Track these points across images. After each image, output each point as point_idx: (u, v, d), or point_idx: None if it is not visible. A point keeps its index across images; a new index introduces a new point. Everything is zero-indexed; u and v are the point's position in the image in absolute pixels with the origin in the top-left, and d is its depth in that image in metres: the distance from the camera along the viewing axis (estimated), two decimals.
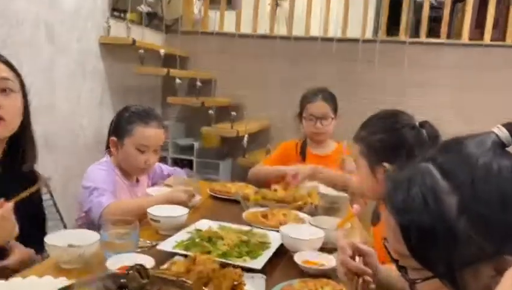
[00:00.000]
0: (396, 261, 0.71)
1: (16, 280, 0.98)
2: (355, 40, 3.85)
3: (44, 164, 3.05)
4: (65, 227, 2.14)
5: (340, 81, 3.94)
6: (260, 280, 1.10)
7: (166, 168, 2.01)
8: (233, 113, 3.44)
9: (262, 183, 2.10)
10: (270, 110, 4.04)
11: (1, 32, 2.56)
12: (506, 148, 0.65)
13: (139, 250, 1.29)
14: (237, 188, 1.95)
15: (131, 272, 0.73)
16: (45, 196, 2.10)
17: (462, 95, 3.75)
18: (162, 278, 0.75)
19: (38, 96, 2.98)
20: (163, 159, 3.92)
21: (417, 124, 1.28)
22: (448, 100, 3.77)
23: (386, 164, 1.30)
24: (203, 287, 0.91)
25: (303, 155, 2.29)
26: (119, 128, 1.76)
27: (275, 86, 4.10)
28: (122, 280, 0.75)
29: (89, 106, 3.48)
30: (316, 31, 4.02)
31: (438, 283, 0.64)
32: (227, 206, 1.83)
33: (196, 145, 4.19)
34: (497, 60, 3.65)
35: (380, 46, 3.80)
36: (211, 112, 3.49)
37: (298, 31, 4.13)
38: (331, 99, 2.25)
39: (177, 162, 4.35)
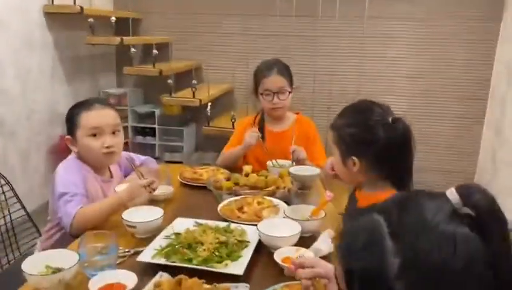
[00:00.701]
0: None
1: None
2: None
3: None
4: (27, 213, 2.08)
5: (300, 37, 3.90)
6: (245, 289, 1.12)
7: (137, 158, 1.96)
8: (194, 81, 3.34)
9: (233, 168, 2.10)
10: (232, 71, 3.96)
11: None
12: (459, 212, 0.64)
13: (119, 261, 1.28)
14: (209, 174, 1.94)
15: None
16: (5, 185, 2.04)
17: (416, 46, 3.88)
18: None
19: None
20: (124, 129, 3.83)
21: (390, 120, 1.29)
22: (404, 52, 3.88)
23: (354, 158, 1.33)
24: None
25: (261, 131, 2.22)
26: (68, 126, 1.70)
27: (235, 45, 4.00)
28: None
29: (40, 81, 3.30)
30: None
31: None
32: (200, 194, 1.82)
33: (157, 112, 4.09)
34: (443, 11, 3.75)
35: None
36: (170, 81, 3.38)
37: None
38: (286, 72, 2.19)
39: (138, 131, 4.25)
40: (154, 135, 4.14)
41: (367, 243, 0.65)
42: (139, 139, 4.23)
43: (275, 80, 2.14)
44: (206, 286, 1.03)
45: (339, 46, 3.88)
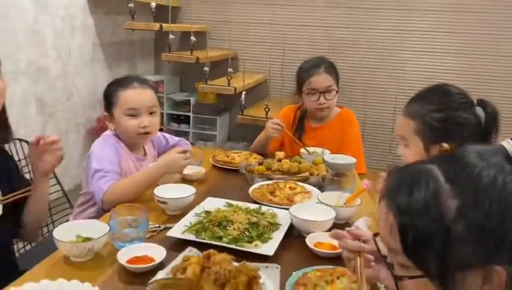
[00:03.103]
0: (384, 257, 0.74)
1: (29, 285, 0.96)
2: None
3: (39, 128, 3.00)
4: (64, 192, 2.12)
5: (341, 29, 3.82)
6: (275, 270, 1.09)
7: (171, 139, 1.96)
8: (230, 70, 3.33)
9: (266, 154, 2.07)
10: (268, 61, 3.93)
11: None
12: None
13: (148, 235, 1.27)
14: (241, 158, 1.92)
15: None
16: None
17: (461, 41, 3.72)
18: None
19: (27, 58, 2.86)
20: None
21: (476, 101, 1.24)
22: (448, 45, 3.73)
23: (445, 144, 1.24)
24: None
25: (301, 127, 2.16)
26: (106, 103, 1.71)
27: (273, 35, 3.96)
28: None
29: (80, 64, 3.36)
30: None
31: (422, 282, 0.66)
32: (231, 177, 1.80)
33: (192, 100, 4.11)
34: None
35: None
36: (206, 68, 3.37)
37: None
38: (333, 70, 2.09)
39: (173, 117, 4.29)
40: (188, 123, 4.16)
41: (424, 194, 0.64)
42: (174, 126, 4.26)
43: (322, 79, 2.04)
44: (236, 263, 1.00)
45: (380, 39, 3.77)
